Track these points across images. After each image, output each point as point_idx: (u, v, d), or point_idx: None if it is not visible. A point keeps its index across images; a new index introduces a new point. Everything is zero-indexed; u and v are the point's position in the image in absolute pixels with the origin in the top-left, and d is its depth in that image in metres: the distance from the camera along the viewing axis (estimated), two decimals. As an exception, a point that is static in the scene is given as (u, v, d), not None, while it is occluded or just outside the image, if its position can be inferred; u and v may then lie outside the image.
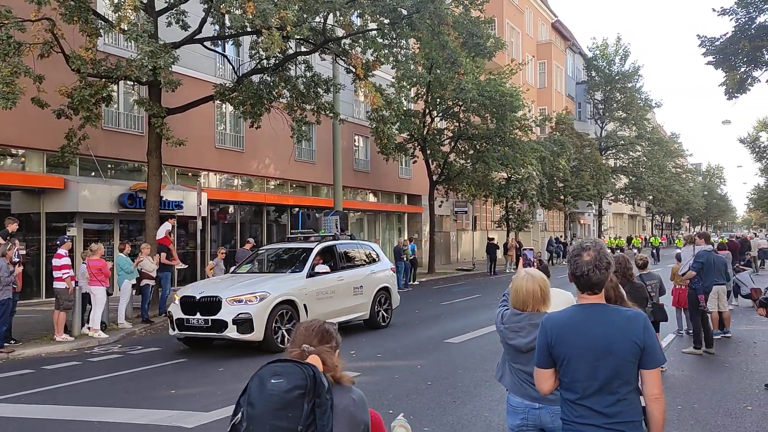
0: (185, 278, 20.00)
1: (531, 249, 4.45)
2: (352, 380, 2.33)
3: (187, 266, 17.98)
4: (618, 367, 2.68)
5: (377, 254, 13.64)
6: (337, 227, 13.27)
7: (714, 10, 18.73)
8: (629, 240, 49.60)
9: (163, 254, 14.64)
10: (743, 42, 17.54)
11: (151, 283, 13.67)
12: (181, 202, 18.46)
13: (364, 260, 13.17)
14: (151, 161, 14.96)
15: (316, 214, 14.70)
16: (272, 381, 1.95)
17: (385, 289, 13.15)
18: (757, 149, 62.66)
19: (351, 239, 13.70)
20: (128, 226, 18.85)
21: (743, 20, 18.18)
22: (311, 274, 11.25)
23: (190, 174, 20.85)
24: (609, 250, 2.87)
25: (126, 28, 12.57)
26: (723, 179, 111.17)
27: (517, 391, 3.64)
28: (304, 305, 10.75)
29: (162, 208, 16.02)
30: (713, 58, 18.74)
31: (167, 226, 15.05)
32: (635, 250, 34.92)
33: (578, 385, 2.73)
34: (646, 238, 45.78)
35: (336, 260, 12.13)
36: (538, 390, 3.02)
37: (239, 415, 1.96)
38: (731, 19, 18.48)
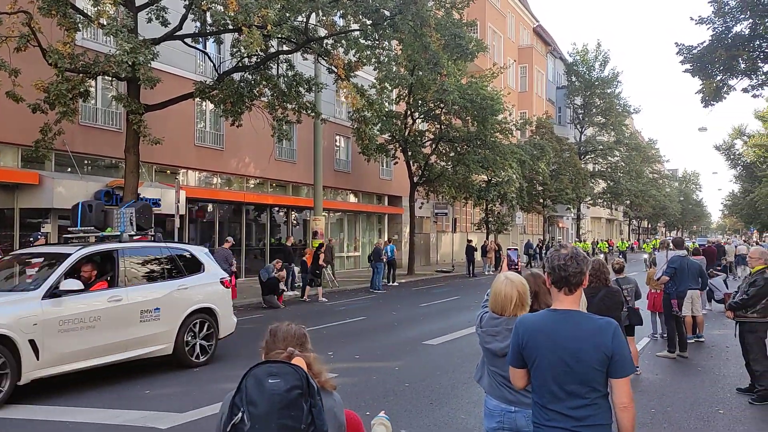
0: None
1: (515, 249, 4.41)
2: (334, 386, 2.36)
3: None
4: (586, 374, 2.72)
5: (200, 262, 9.81)
6: (132, 224, 9.50)
7: (692, 18, 18.99)
8: (595, 244, 49.46)
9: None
10: (720, 51, 17.80)
11: None
12: (159, 200, 18.26)
13: (172, 271, 9.34)
14: (128, 158, 14.78)
15: (105, 207, 10.16)
16: (270, 381, 1.96)
17: (206, 312, 9.47)
18: (731, 156, 63.88)
19: (153, 240, 9.72)
20: (104, 224, 18.59)
21: (720, 29, 18.46)
22: (53, 293, 7.51)
23: (168, 171, 20.65)
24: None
25: (105, 23, 12.42)
26: (698, 185, 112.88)
27: (494, 393, 3.66)
28: (32, 341, 7.15)
29: (139, 206, 15.82)
30: (690, 65, 19.00)
31: (145, 224, 14.88)
32: (601, 255, 35.06)
33: (547, 389, 2.79)
34: (623, 242, 45.67)
35: (117, 272, 8.46)
36: (513, 385, 3.08)
37: (240, 415, 1.95)
38: (708, 28, 18.77)
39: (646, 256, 33.16)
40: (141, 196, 16.27)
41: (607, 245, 44.44)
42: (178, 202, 16.49)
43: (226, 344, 11.08)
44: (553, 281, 2.86)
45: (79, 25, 13.48)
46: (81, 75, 13.56)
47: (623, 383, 2.74)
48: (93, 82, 15.86)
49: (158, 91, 15.17)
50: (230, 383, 2.07)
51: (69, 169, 17.18)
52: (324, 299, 18.16)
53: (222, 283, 10.01)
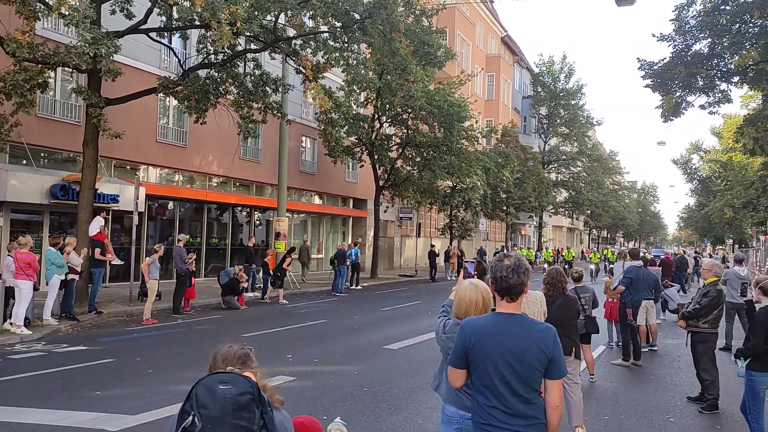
0: (119, 275, 19.43)
1: (472, 261, 4.47)
2: (281, 401, 2.37)
3: (123, 263, 17.47)
4: (527, 375, 2.89)
5: None
6: None
7: (654, 35, 19.46)
8: (538, 252, 48.50)
9: (98, 250, 14.16)
10: (679, 68, 18.24)
11: (76, 278, 13.16)
12: (117, 196, 17.90)
13: None
14: (86, 152, 14.44)
15: None
16: (221, 387, 1.97)
17: None
18: (688, 170, 65.75)
19: None
20: (59, 219, 18.13)
21: (680, 47, 18.93)
22: None
23: (128, 167, 20.24)
24: (527, 261, 3.08)
25: (66, 13, 12.09)
26: (656, 197, 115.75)
27: (452, 400, 3.66)
28: None
29: (96, 202, 15.50)
30: (651, 81, 19.41)
31: (100, 220, 14.55)
32: (545, 265, 34.98)
33: (490, 389, 2.92)
34: (568, 251, 45.02)
35: None
36: (450, 385, 3.19)
37: (190, 418, 1.93)
38: (669, 45, 19.22)
39: (592, 266, 33.50)
40: (99, 191, 15.95)
41: (551, 254, 44.38)
42: (137, 198, 16.19)
43: (181, 345, 10.91)
44: (496, 290, 3.04)
45: (39, 14, 13.10)
46: (40, 65, 13.19)
47: (557, 384, 2.94)
48: (52, 73, 15.46)
49: (120, 84, 14.88)
50: (184, 385, 2.03)
51: (24, 162, 16.71)
52: (285, 301, 18.02)
53: None
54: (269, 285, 18.49)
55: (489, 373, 2.91)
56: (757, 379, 5.95)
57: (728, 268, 18.14)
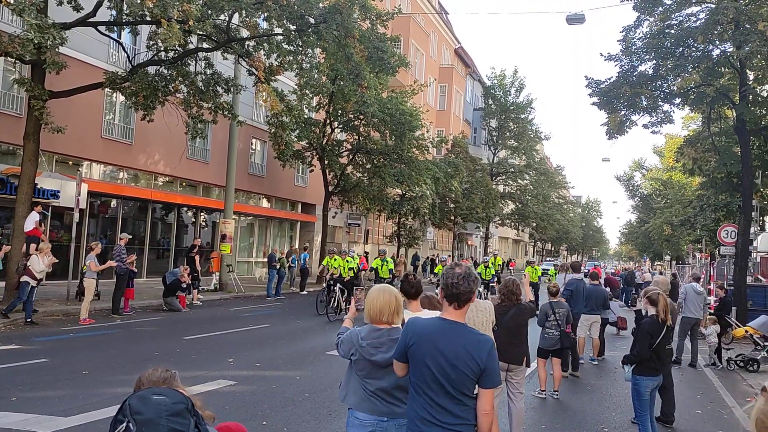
0: (55, 273, 18.76)
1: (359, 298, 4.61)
2: (212, 416, 2.39)
3: (57, 260, 16.85)
4: (458, 379, 3.01)
5: None
6: None
7: (601, 54, 20.06)
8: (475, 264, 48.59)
9: (33, 246, 13.66)
10: (625, 87, 18.80)
11: (33, 283, 12.54)
12: (58, 192, 17.30)
13: None
14: (27, 145, 13.95)
15: None
16: (155, 397, 1.96)
17: None
18: (630, 187, 67.93)
19: None
20: (-5, 213, 17.43)
21: (626, 67, 19.55)
22: None
23: (70, 162, 19.61)
24: (477, 272, 3.19)
25: (11, 1, 11.68)
26: (600, 213, 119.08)
27: (363, 407, 3.69)
28: None
29: (36, 197, 14.97)
30: (598, 99, 19.95)
31: (35, 216, 14.06)
32: (480, 287, 35.14)
33: (424, 388, 3.07)
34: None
35: None
36: (396, 374, 3.35)
37: (124, 425, 1.90)
38: (616, 65, 19.81)
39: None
40: (38, 186, 15.42)
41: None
42: (79, 195, 15.72)
43: (119, 346, 10.62)
44: (445, 296, 3.14)
45: (-19, 0, 12.60)
46: (-21, 53, 12.68)
47: (489, 393, 3.04)
48: (-7, 62, 14.89)
49: (65, 77, 14.45)
50: (120, 387, 1.99)
51: (-41, 152, 16.01)
52: (199, 302, 17.82)
53: None
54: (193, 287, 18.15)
55: (423, 372, 3.06)
56: (641, 383, 6.33)
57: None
